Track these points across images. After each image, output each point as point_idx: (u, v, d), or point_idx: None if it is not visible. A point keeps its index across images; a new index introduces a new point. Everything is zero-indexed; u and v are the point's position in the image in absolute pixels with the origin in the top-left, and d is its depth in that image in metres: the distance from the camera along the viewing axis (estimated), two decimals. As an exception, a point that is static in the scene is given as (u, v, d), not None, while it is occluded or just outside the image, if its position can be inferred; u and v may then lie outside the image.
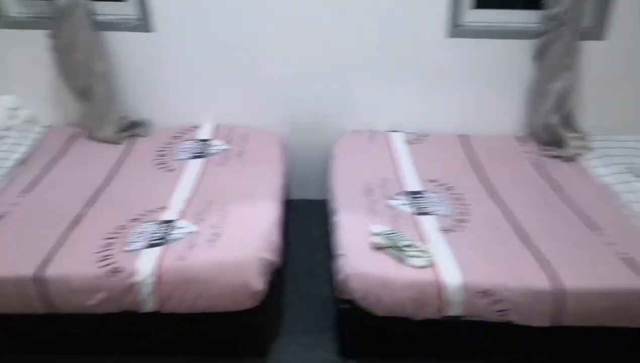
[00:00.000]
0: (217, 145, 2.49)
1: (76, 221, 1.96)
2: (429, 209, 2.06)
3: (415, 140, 2.59)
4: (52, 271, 1.72)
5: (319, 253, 2.46)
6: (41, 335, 1.92)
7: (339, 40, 2.48)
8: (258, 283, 1.76)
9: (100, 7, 2.43)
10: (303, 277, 2.36)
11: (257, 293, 1.76)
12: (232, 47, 2.50)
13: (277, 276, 1.97)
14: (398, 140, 2.57)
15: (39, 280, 1.71)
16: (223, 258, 1.76)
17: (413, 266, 1.74)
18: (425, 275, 1.72)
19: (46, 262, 1.75)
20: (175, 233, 1.88)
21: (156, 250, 1.79)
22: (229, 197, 2.10)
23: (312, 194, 2.84)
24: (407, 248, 1.77)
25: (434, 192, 2.18)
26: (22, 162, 2.33)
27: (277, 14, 2.42)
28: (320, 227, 2.50)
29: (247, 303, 1.77)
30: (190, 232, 1.88)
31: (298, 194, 2.84)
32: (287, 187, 2.48)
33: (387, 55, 2.51)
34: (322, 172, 2.63)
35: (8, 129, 2.49)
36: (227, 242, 1.83)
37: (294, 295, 2.26)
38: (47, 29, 2.36)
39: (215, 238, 1.85)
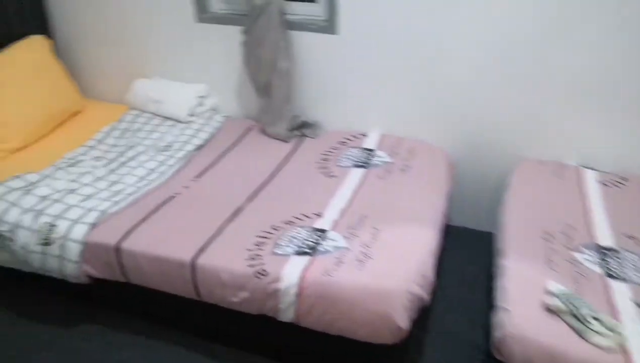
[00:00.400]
0: (381, 156, 2.33)
1: (236, 214, 1.97)
2: (624, 274, 1.65)
3: (613, 182, 2.13)
4: (204, 260, 1.74)
5: (474, 294, 2.17)
6: (189, 318, 1.98)
7: (534, 51, 2.12)
8: (402, 319, 1.56)
9: (292, 6, 2.44)
10: (452, 317, 2.09)
11: (399, 329, 1.57)
12: (412, 55, 2.31)
13: (423, 312, 1.76)
14: (590, 180, 2.14)
15: (194, 267, 1.74)
16: (369, 284, 1.60)
17: (595, 344, 1.38)
18: (610, 360, 1.35)
19: (203, 250, 1.78)
20: (326, 244, 1.77)
21: (304, 259, 1.71)
22: (385, 214, 1.94)
23: (475, 223, 2.54)
24: (590, 319, 1.42)
25: (633, 253, 1.75)
26: (201, 148, 2.45)
27: (463, 23, 2.17)
28: (481, 264, 2.21)
29: (387, 338, 1.59)
30: (340, 247, 1.76)
31: (459, 220, 2.56)
32: (449, 211, 2.23)
33: (591, 74, 2.09)
34: (492, 202, 2.33)
35: (195, 115, 2.66)
36: (376, 265, 1.67)
37: (438, 335, 2.02)
38: (242, 25, 2.44)
39: (364, 259, 1.70)
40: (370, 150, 2.39)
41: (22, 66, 2.56)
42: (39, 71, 2.62)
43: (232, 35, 2.53)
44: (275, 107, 2.51)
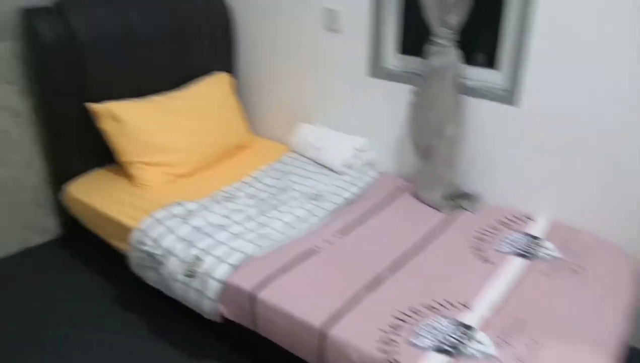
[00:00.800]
0: (549, 249, 2.00)
1: (374, 283, 1.82)
2: None
3: None
4: (336, 331, 1.60)
5: None
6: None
7: None
8: None
9: (469, 71, 2.27)
10: None
11: None
12: (601, 143, 1.98)
13: None
14: None
15: (322, 335, 1.62)
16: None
17: None
18: None
19: (334, 318, 1.65)
20: (471, 347, 1.52)
21: (444, 359, 1.48)
22: (548, 324, 1.62)
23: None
24: None
25: None
26: (350, 202, 2.36)
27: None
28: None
29: None
30: (488, 355, 1.49)
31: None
32: (630, 332, 1.81)
33: None
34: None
35: (349, 166, 2.59)
36: (531, 390, 1.38)
37: None
38: (413, 84, 2.33)
39: (517, 378, 1.41)
40: (536, 238, 2.07)
41: (205, 99, 2.75)
42: (218, 105, 2.79)
43: (400, 92, 2.43)
44: (434, 173, 2.32)
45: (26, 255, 2.68)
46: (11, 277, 2.51)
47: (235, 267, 1.88)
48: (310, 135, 2.76)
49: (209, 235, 2.03)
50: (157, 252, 2.00)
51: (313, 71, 2.77)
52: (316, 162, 2.69)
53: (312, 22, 2.66)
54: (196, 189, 2.43)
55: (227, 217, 2.18)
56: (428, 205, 2.33)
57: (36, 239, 2.75)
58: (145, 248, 2.04)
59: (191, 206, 2.23)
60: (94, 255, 2.62)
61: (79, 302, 2.36)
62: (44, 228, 2.76)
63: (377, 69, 2.53)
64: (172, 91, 2.73)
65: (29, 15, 2.30)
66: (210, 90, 2.81)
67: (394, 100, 2.49)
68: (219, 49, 2.96)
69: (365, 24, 2.47)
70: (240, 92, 3.12)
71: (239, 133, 2.86)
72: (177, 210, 2.19)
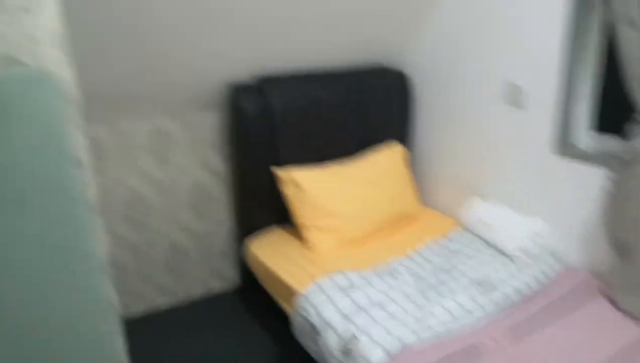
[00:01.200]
0: None
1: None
2: None
3: None
4: None
5: None
6: None
7: None
8: None
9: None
10: None
11: None
12: None
13: None
14: None
15: None
16: None
17: None
18: None
19: None
20: None
21: None
22: None
23: None
24: None
25: None
26: (524, 296, 2.02)
27: None
28: None
29: None
30: None
31: None
32: None
33: None
34: None
35: (525, 252, 2.25)
36: None
37: None
38: (610, 168, 1.95)
39: None
40: None
41: (378, 168, 2.72)
42: (390, 175, 2.74)
43: (592, 175, 2.07)
44: (633, 275, 1.88)
45: (207, 301, 2.89)
46: (192, 319, 2.72)
47: (390, 355, 1.72)
48: (483, 212, 2.51)
49: (367, 311, 1.92)
50: (317, 322, 1.95)
51: (490, 145, 2.54)
52: (487, 242, 2.41)
53: (492, 95, 2.46)
54: (361, 257, 2.37)
55: (386, 294, 2.04)
56: (626, 313, 1.88)
57: (217, 287, 2.97)
58: (306, 315, 2.01)
59: (353, 277, 2.15)
60: (264, 310, 2.70)
61: (242, 353, 2.43)
62: (225, 277, 2.97)
63: (565, 148, 2.20)
64: (349, 158, 2.76)
65: (235, 91, 2.56)
66: (384, 160, 2.77)
67: (583, 184, 2.13)
68: (396, 119, 2.93)
69: (552, 98, 2.19)
70: (413, 162, 3.02)
71: (408, 203, 2.75)
72: (340, 280, 2.13)
